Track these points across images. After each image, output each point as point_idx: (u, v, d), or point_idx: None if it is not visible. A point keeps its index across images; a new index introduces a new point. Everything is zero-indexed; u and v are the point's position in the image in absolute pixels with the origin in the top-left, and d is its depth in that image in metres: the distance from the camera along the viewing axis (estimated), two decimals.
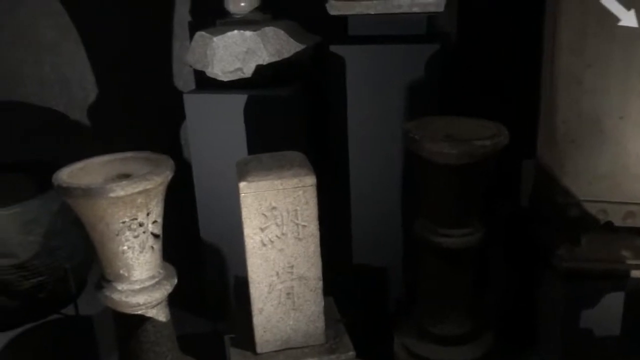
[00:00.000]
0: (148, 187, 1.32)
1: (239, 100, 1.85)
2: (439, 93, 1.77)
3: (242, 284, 1.50)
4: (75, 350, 1.84)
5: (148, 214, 1.38)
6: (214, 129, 1.88)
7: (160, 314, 1.47)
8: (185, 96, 1.89)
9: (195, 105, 1.88)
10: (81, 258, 1.84)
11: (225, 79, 1.86)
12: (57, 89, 2.50)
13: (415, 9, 1.74)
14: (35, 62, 2.47)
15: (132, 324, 1.45)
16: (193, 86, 2.26)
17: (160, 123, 2.44)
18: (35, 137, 2.45)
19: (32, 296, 1.76)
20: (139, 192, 1.31)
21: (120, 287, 1.41)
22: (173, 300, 1.52)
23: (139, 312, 1.43)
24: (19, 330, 1.81)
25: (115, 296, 1.40)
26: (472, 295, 1.68)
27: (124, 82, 2.45)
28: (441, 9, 1.73)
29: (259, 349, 1.49)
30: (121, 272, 1.40)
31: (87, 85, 2.48)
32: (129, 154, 1.49)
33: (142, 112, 2.45)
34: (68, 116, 2.51)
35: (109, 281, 1.43)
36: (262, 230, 1.39)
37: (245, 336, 1.51)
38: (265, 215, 1.38)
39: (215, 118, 1.87)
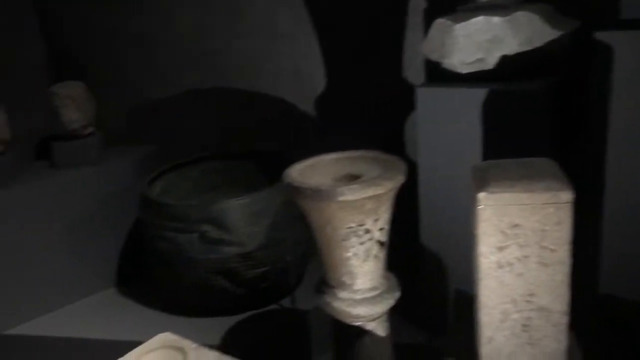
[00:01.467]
0: (379, 192, 1.23)
1: (479, 95, 1.64)
2: None
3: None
4: (289, 342, 1.86)
5: (376, 220, 1.29)
6: (446, 126, 1.71)
7: (379, 328, 1.39)
8: (417, 90, 1.75)
9: (428, 99, 1.73)
10: (302, 252, 1.84)
11: (464, 71, 1.67)
12: (290, 80, 2.55)
13: None
14: (271, 53, 2.55)
15: (350, 334, 1.39)
16: (423, 78, 2.12)
17: (386, 117, 2.35)
18: (268, 128, 2.54)
19: (254, 285, 1.82)
20: (369, 197, 1.22)
21: (341, 294, 1.35)
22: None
23: (358, 324, 1.36)
24: (240, 316, 1.89)
25: (336, 304, 1.35)
26: None
27: (353, 73, 2.41)
28: None
29: None
30: (343, 279, 1.34)
31: (317, 77, 2.49)
32: (357, 153, 1.42)
33: (369, 104, 2.38)
34: (298, 107, 2.56)
35: (330, 287, 1.38)
36: (499, 249, 1.20)
37: None
38: (505, 233, 1.18)
39: (449, 114, 1.69)
